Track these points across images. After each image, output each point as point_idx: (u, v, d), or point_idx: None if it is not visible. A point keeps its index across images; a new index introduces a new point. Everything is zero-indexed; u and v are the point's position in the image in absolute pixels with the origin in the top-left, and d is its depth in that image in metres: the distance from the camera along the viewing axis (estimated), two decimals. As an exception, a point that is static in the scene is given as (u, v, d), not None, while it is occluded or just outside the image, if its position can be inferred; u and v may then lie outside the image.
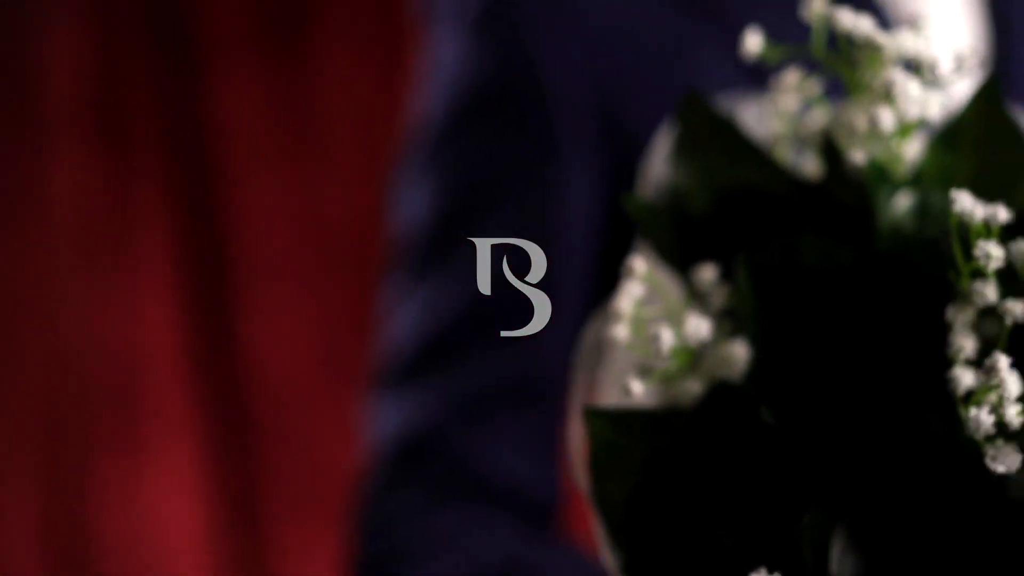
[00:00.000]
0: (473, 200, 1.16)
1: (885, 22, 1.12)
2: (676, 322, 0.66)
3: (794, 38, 0.73)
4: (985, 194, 0.71)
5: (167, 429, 1.88)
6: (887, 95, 0.67)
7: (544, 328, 1.12)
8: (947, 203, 0.64)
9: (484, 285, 1.13)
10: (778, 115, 0.74)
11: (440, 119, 1.17)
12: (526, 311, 1.14)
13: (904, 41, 0.69)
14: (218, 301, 1.88)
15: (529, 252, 1.14)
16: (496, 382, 1.10)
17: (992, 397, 0.61)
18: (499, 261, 1.13)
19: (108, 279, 1.86)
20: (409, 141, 1.19)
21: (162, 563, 1.88)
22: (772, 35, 0.74)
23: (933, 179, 0.71)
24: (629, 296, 0.67)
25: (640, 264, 0.67)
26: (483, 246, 1.08)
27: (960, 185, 0.72)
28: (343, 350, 1.86)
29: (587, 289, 1.14)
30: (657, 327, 0.65)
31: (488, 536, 1.10)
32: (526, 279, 1.14)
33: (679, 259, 0.72)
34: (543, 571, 1.06)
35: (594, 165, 1.12)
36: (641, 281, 0.67)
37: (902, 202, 0.70)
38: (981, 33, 1.17)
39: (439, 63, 1.18)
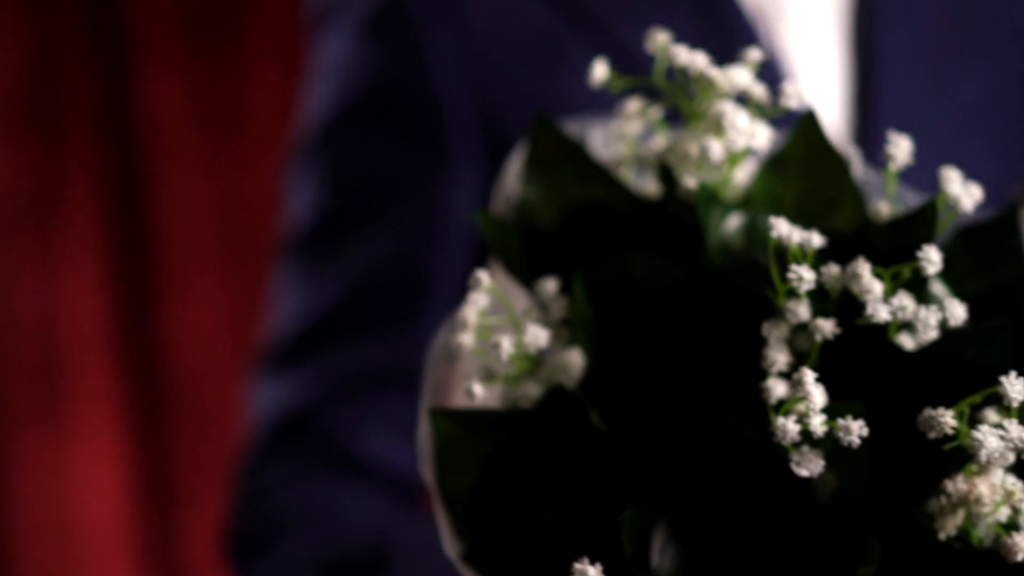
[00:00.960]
0: (357, 196, 1.21)
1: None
2: (519, 330, 0.72)
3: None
4: (809, 216, 0.77)
5: (88, 407, 1.91)
6: (718, 126, 0.73)
7: (420, 321, 1.18)
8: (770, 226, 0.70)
9: (362, 278, 1.18)
10: (623, 139, 0.79)
11: (328, 117, 1.21)
12: (402, 304, 1.19)
13: (736, 76, 0.74)
14: (140, 286, 1.92)
15: (409, 249, 1.19)
16: (369, 368, 1.16)
17: (801, 407, 0.67)
18: (379, 255, 1.19)
19: (33, 263, 1.89)
20: (300, 138, 1.24)
21: (80, 535, 1.92)
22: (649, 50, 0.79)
23: (762, 202, 0.77)
24: (475, 306, 0.72)
25: (485, 277, 0.72)
26: (364, 239, 1.13)
27: (787, 208, 0.78)
28: (260, 334, 1.91)
29: (464, 287, 1.19)
30: (498, 335, 0.71)
31: (358, 511, 1.16)
32: (404, 275, 1.20)
33: (526, 272, 0.77)
34: (409, 547, 1.11)
35: (479, 170, 1.17)
36: (487, 292, 0.72)
37: (732, 223, 0.76)
38: (847, 61, 1.23)
39: (327, 62, 1.23)
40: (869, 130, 1.21)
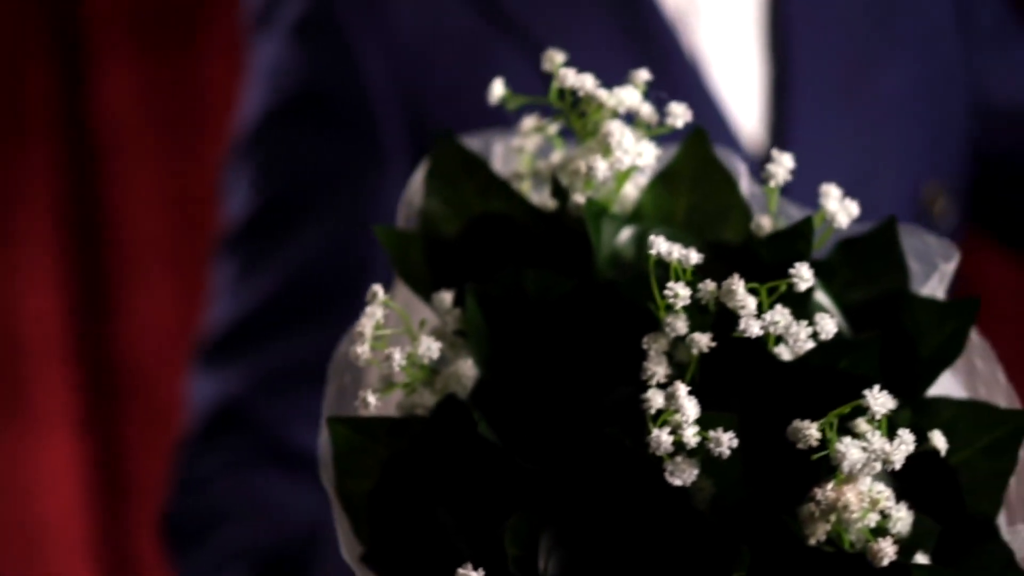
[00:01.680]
0: (290, 192, 1.24)
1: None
2: (415, 341, 0.75)
3: (585, 60, 0.81)
4: (699, 229, 0.80)
5: (45, 401, 1.94)
6: (605, 145, 0.76)
7: (353, 315, 1.21)
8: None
9: (295, 273, 1.22)
10: (521, 153, 0.82)
11: (260, 118, 1.25)
12: (335, 299, 1.23)
13: (623, 96, 0.77)
14: (97, 281, 1.95)
15: (342, 245, 1.23)
16: (302, 362, 1.19)
17: (675, 419, 0.70)
18: (312, 250, 1.22)
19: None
20: (235, 139, 1.27)
21: (38, 528, 1.95)
22: (571, 55, 0.82)
23: (653, 216, 0.80)
24: (371, 318, 0.75)
25: (380, 290, 0.75)
26: (297, 235, 1.17)
27: (677, 221, 0.81)
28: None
29: None
30: (395, 347, 0.74)
31: (292, 502, 1.19)
32: (337, 269, 1.24)
33: (428, 284, 0.80)
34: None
35: (410, 166, 1.20)
36: (382, 305, 0.75)
37: (624, 235, 0.79)
38: (764, 61, 1.26)
39: (260, 66, 1.26)
40: (784, 128, 1.25)
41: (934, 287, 0.81)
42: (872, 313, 0.80)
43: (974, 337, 0.80)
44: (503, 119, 0.85)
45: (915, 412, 0.77)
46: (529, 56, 1.17)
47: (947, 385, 0.81)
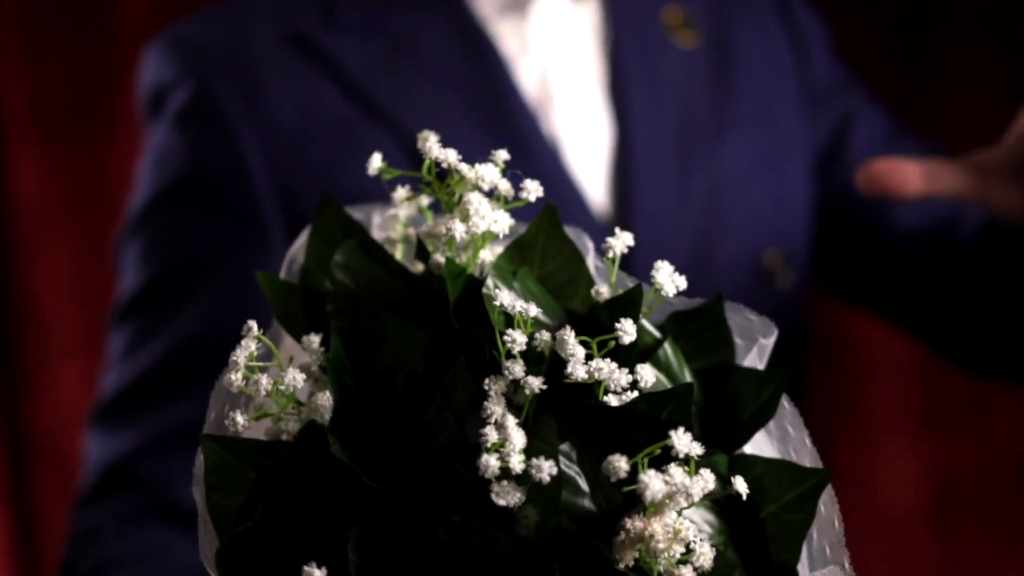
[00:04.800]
0: (176, 271, 1.34)
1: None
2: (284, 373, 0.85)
3: (453, 144, 0.91)
4: (551, 295, 0.90)
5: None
6: (465, 212, 0.86)
7: None
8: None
9: (180, 343, 1.31)
10: (395, 221, 0.92)
11: (149, 200, 1.35)
12: (218, 366, 1.32)
13: (483, 171, 0.88)
14: (11, 359, 2.02)
15: (225, 317, 1.31)
16: (187, 425, 1.28)
17: (504, 448, 0.80)
18: (197, 322, 1.32)
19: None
20: (126, 218, 1.37)
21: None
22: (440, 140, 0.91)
23: (505, 280, 0.90)
24: (245, 350, 0.84)
25: (254, 325, 0.84)
26: (182, 308, 1.26)
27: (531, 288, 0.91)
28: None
29: None
30: (259, 378, 0.83)
31: (180, 554, 1.27)
32: (220, 339, 1.33)
33: (304, 327, 0.90)
34: None
35: (288, 244, 1.30)
36: (254, 339, 0.84)
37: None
38: (611, 148, 1.39)
39: (150, 150, 1.37)
40: (628, 200, 1.37)
41: (754, 359, 0.91)
42: (707, 380, 0.90)
43: (787, 405, 0.90)
44: (375, 199, 0.96)
45: (731, 466, 0.86)
46: (397, 141, 1.28)
47: (765, 449, 0.90)
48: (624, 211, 1.38)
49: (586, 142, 1.40)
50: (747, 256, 1.43)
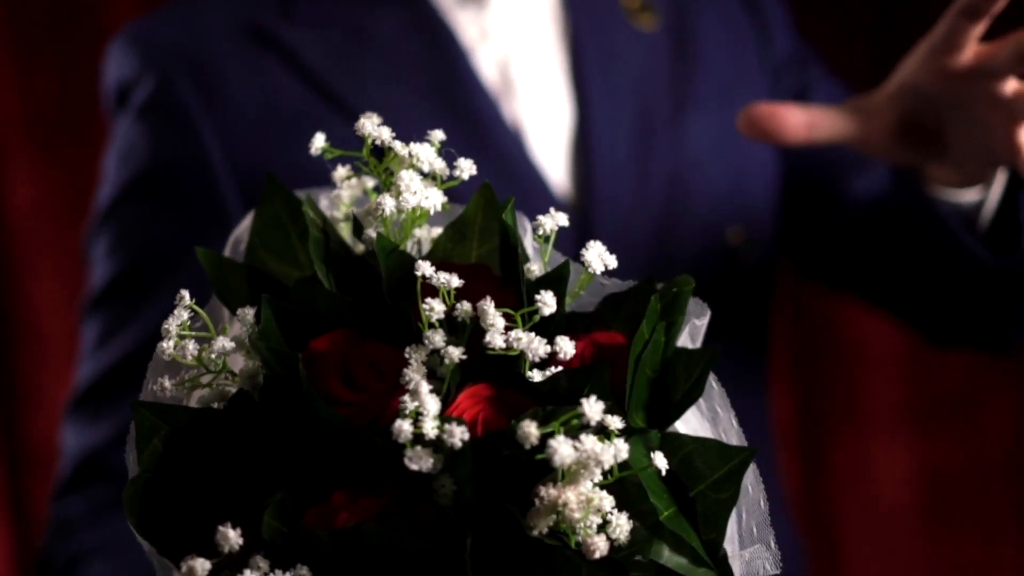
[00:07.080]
0: (143, 263, 1.36)
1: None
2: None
3: (411, 133, 0.92)
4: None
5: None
6: (396, 188, 0.88)
7: None
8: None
9: (149, 335, 1.33)
10: (339, 201, 0.94)
11: (115, 194, 1.37)
12: None
13: (417, 150, 0.89)
14: (9, 369, 2.06)
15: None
16: None
17: (418, 412, 0.81)
18: (164, 313, 1.33)
19: None
20: (93, 213, 1.40)
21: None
22: (398, 129, 0.93)
23: (445, 256, 0.91)
24: (177, 319, 0.86)
25: (187, 295, 0.86)
26: (151, 299, 1.28)
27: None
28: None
29: None
30: (186, 343, 0.85)
31: None
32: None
33: (244, 300, 0.92)
34: None
35: None
36: (186, 309, 0.86)
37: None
38: (571, 132, 1.40)
39: (115, 145, 1.39)
40: (589, 182, 1.38)
41: (686, 339, 0.92)
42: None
43: (715, 386, 0.90)
44: (331, 185, 0.97)
45: (663, 444, 0.87)
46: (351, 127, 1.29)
47: (700, 431, 0.91)
48: (586, 194, 1.39)
49: (548, 127, 1.41)
50: (711, 234, 1.44)
